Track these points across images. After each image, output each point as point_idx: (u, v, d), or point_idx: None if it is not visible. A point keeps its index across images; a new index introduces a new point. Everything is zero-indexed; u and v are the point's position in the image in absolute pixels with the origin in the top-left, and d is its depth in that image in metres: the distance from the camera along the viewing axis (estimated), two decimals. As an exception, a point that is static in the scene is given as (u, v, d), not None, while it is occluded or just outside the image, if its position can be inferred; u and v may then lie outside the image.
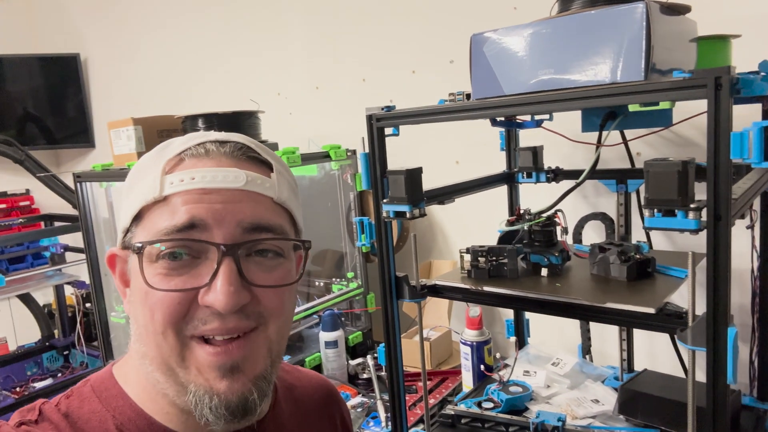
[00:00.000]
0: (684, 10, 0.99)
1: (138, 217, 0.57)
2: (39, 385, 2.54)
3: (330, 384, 0.83)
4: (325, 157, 1.82)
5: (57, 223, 2.88)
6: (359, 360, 1.79)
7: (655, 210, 0.83)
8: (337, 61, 2.19)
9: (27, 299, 2.78)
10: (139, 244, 0.54)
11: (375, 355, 1.77)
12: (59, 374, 2.67)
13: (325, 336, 1.71)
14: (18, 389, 2.47)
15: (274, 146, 1.89)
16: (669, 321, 0.90)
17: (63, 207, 2.96)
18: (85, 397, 0.58)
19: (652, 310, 0.91)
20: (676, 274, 1.08)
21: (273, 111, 2.12)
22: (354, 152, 1.91)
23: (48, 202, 3.20)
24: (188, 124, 1.71)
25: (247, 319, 0.55)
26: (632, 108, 0.83)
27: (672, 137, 1.54)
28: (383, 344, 1.18)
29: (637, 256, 1.07)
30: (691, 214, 0.80)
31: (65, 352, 2.80)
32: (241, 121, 1.72)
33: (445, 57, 1.87)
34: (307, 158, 1.74)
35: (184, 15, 2.70)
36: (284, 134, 2.09)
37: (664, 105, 0.80)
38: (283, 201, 0.59)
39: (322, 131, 2.20)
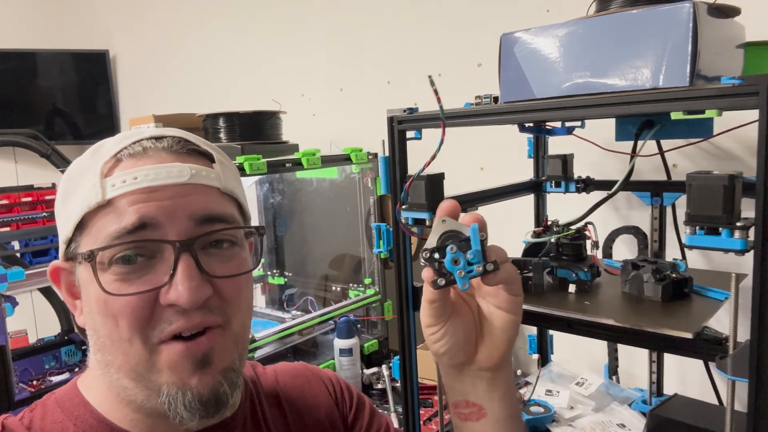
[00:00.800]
0: (733, 12, 0.92)
1: (81, 226, 0.55)
2: (56, 378, 2.54)
3: (308, 369, 0.79)
4: (345, 159, 1.78)
5: (80, 218, 2.90)
6: (374, 369, 1.74)
7: (697, 227, 0.76)
8: (363, 63, 2.15)
9: (48, 293, 2.79)
10: (88, 252, 0.52)
11: (391, 365, 1.72)
12: (76, 369, 2.67)
13: (339, 343, 1.67)
14: (35, 382, 2.48)
15: (294, 147, 1.86)
16: (707, 347, 0.83)
17: (87, 202, 2.98)
18: (48, 409, 0.59)
19: (689, 335, 0.84)
20: (715, 296, 1.00)
21: (296, 112, 2.09)
22: (375, 156, 1.87)
23: (73, 196, 3.22)
24: (209, 122, 1.68)
25: (211, 314, 0.54)
26: (674, 116, 0.77)
27: (711, 149, 1.45)
28: (398, 356, 1.13)
29: (674, 275, 1.00)
30: (737, 233, 0.73)
31: (83, 347, 2.79)
32: (263, 121, 1.69)
33: (473, 60, 1.81)
34: (328, 160, 1.70)
35: (212, 15, 2.70)
36: (306, 136, 2.06)
37: (710, 113, 0.74)
38: (229, 190, 0.58)
39: (345, 134, 2.16)
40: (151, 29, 3.04)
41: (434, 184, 1.02)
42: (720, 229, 0.74)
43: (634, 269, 1.03)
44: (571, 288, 1.07)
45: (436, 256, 0.53)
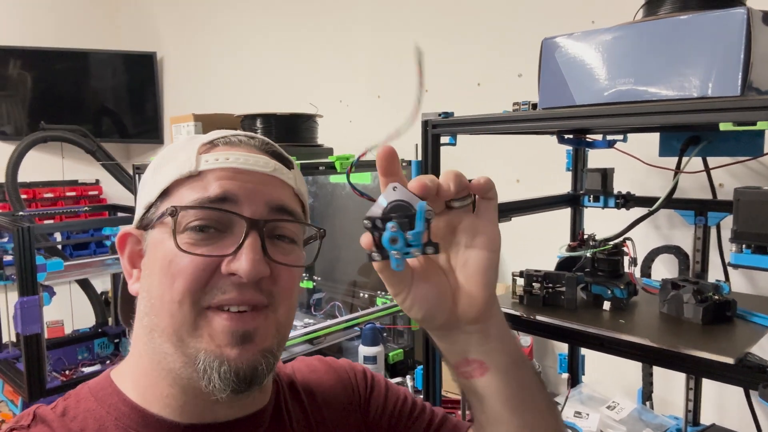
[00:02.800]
0: (790, 22, 0.87)
1: (165, 193, 0.58)
2: (88, 370, 2.59)
3: (323, 362, 0.78)
4: (380, 165, 1.77)
5: (120, 214, 2.97)
6: (398, 379, 1.71)
7: (744, 245, 0.72)
8: (401, 71, 2.14)
9: (86, 285, 2.86)
10: (172, 208, 0.55)
11: (415, 375, 1.69)
12: (108, 361, 2.72)
13: (364, 350, 1.65)
14: (67, 372, 2.53)
15: (328, 151, 1.86)
16: (749, 375, 0.78)
17: (129, 198, 3.05)
18: (82, 398, 0.60)
19: (730, 360, 0.79)
20: (761, 321, 0.95)
21: (333, 118, 2.10)
22: (409, 163, 1.85)
23: (116, 193, 3.31)
24: (246, 123, 1.70)
25: (261, 294, 0.56)
26: (723, 127, 0.73)
27: (760, 169, 1.39)
28: (422, 366, 1.10)
29: (716, 297, 0.95)
30: (788, 254, 0.68)
31: (116, 341, 2.85)
32: (299, 124, 1.69)
33: (514, 70, 1.79)
34: (361, 165, 1.68)
35: (256, 21, 2.75)
36: (342, 141, 2.06)
37: (762, 125, 0.69)
38: (301, 193, 0.64)
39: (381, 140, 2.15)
40: (197, 32, 3.12)
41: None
42: (769, 248, 0.69)
43: (673, 289, 0.98)
44: (606, 305, 1.03)
45: (379, 225, 0.48)
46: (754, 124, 0.70)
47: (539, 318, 1.01)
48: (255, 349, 0.55)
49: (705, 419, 1.31)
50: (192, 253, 0.55)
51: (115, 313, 2.84)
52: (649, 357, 0.90)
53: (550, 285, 1.04)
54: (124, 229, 0.62)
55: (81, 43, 3.34)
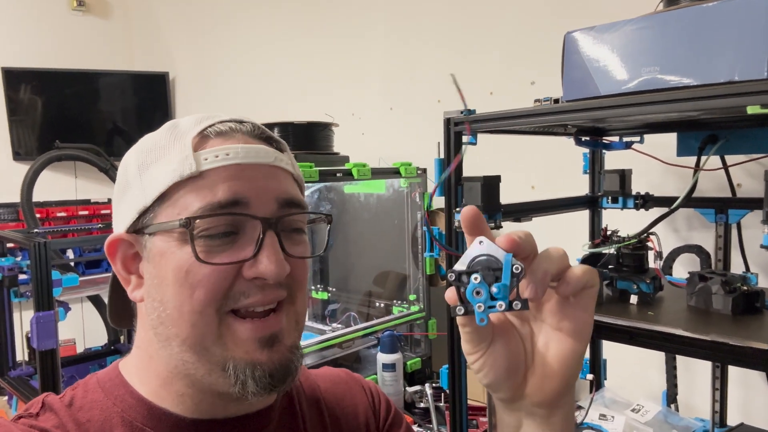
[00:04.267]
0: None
1: (163, 197, 0.55)
2: (100, 387, 2.57)
3: (350, 376, 0.78)
4: (394, 173, 1.78)
5: (132, 232, 2.98)
6: (417, 387, 1.69)
7: (777, 227, 0.72)
8: (413, 82, 2.17)
9: (98, 302, 2.86)
10: (185, 220, 0.53)
11: (434, 384, 1.68)
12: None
13: (383, 358, 1.64)
14: (80, 389, 2.52)
15: (345, 158, 1.88)
16: (785, 362, 0.77)
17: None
18: (90, 389, 0.59)
19: (764, 346, 0.78)
20: (791, 312, 0.94)
21: (346, 130, 2.12)
22: (424, 171, 1.86)
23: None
24: (263, 132, 1.72)
25: (281, 289, 0.56)
26: (750, 110, 0.73)
27: (779, 168, 1.39)
28: (446, 366, 1.10)
29: (744, 288, 0.94)
30: (822, 233, 0.68)
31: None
32: (316, 132, 1.72)
33: (526, 78, 1.80)
34: (377, 172, 1.70)
35: (266, 38, 2.79)
36: (356, 153, 2.08)
37: (791, 107, 0.70)
38: (299, 176, 0.62)
39: (394, 151, 2.17)
40: (208, 51, 3.16)
41: (490, 186, 1.01)
42: (802, 229, 0.69)
43: (701, 281, 0.98)
44: (633, 299, 1.03)
45: (464, 279, 0.47)
46: (783, 106, 0.71)
47: (566, 313, 1.00)
48: (283, 348, 0.56)
49: (731, 421, 1.29)
50: (212, 263, 0.53)
51: (127, 330, 2.84)
52: (682, 348, 0.89)
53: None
54: (113, 235, 0.58)
55: (93, 64, 3.40)
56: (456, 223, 1.04)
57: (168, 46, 3.45)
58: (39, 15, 3.32)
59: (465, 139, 1.09)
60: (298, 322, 0.59)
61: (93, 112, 3.45)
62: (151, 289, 0.56)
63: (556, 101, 0.99)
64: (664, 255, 1.36)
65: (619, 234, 1.10)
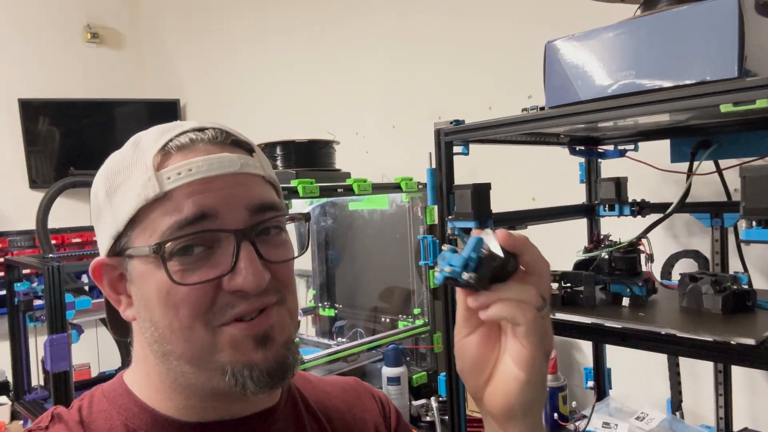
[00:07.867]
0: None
1: (133, 220, 0.55)
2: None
3: (360, 384, 0.79)
4: (395, 188, 1.81)
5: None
6: (423, 401, 1.69)
7: (753, 222, 0.73)
8: (414, 99, 2.21)
9: (111, 325, 2.90)
10: (155, 245, 0.53)
11: (440, 398, 1.67)
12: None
13: (387, 371, 1.65)
14: (94, 411, 2.55)
15: (346, 175, 1.91)
16: (774, 357, 0.78)
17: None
18: (95, 399, 0.61)
19: (751, 342, 0.79)
20: (783, 310, 0.94)
21: (351, 149, 2.16)
22: (425, 185, 1.89)
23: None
24: (266, 150, 1.76)
25: (268, 295, 0.56)
26: (723, 108, 0.75)
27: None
28: (444, 373, 1.11)
29: (734, 287, 0.95)
30: (798, 226, 0.70)
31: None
32: (317, 149, 1.76)
33: (523, 92, 1.83)
34: (378, 187, 1.73)
35: (272, 67, 2.88)
36: (359, 171, 2.11)
37: (761, 103, 0.72)
38: (270, 177, 0.60)
39: (397, 168, 2.20)
40: (216, 78, 3.26)
41: (480, 193, 1.03)
42: (778, 222, 0.71)
43: (692, 281, 0.98)
44: (625, 302, 1.03)
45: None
46: (753, 102, 0.72)
47: (559, 316, 1.01)
48: (277, 345, 0.56)
49: (738, 427, 1.28)
50: (188, 284, 0.53)
51: (112, 330, 2.86)
52: (672, 347, 0.90)
53: (569, 285, 1.05)
54: (96, 260, 0.59)
55: (107, 93, 3.50)
56: (449, 230, 1.07)
57: (178, 75, 3.55)
58: (54, 48, 3.44)
59: (457, 149, 1.12)
60: (291, 317, 0.60)
61: (108, 140, 3.54)
62: (141, 310, 0.57)
63: (542, 109, 1.01)
64: (663, 261, 1.37)
65: (611, 238, 1.11)
